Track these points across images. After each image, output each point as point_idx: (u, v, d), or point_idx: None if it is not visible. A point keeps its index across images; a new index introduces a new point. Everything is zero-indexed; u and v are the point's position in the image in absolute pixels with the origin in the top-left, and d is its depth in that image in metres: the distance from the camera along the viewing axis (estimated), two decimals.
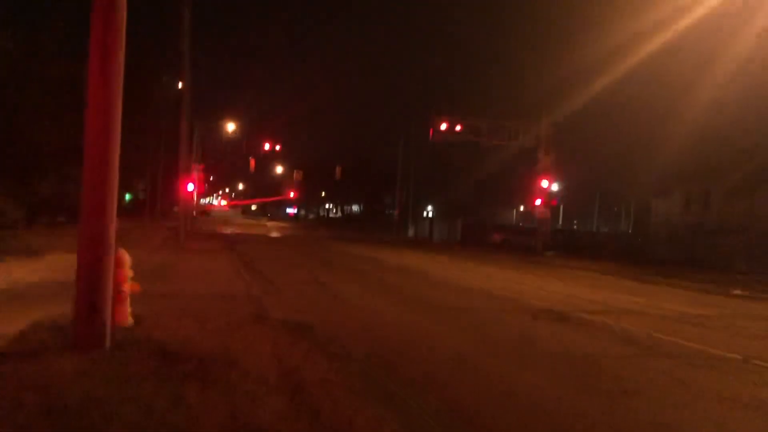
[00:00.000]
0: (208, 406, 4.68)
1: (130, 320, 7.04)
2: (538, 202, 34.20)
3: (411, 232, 56.99)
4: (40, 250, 16.24)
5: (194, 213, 45.09)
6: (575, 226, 78.13)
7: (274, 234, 45.44)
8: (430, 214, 79.60)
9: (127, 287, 7.01)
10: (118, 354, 5.60)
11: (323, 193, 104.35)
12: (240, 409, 4.73)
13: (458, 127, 34.86)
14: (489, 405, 5.86)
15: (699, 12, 21.72)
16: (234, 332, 7.30)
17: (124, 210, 48.86)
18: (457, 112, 36.30)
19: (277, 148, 48.21)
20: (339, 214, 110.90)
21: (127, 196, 53.55)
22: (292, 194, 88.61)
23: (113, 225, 5.83)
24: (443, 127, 34.83)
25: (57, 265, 12.93)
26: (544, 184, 33.62)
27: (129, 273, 7.12)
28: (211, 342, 6.63)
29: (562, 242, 41.27)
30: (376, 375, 6.41)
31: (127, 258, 7.04)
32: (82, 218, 5.72)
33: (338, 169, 57.83)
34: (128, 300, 7.05)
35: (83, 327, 5.68)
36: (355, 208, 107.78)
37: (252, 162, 53.26)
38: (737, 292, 18.25)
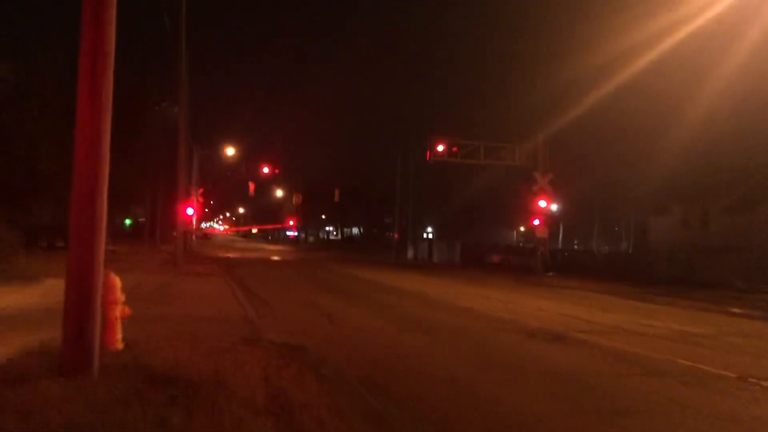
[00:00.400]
0: (193, 430, 4.66)
1: (120, 344, 7.01)
2: (536, 222, 34.23)
3: (411, 254, 56.95)
4: (37, 275, 16.24)
5: (193, 237, 45.13)
6: (576, 246, 78.07)
7: (273, 257, 45.40)
8: (430, 236, 79.62)
9: (117, 311, 7.00)
10: (105, 378, 5.57)
11: (323, 216, 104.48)
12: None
13: (455, 148, 35.09)
14: (480, 426, 5.83)
15: (692, 27, 21.85)
16: (225, 354, 7.28)
17: (124, 235, 48.99)
18: (454, 133, 36.62)
19: (276, 171, 48.45)
20: (339, 236, 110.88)
21: (127, 221, 53.69)
22: (291, 222, 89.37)
23: (101, 250, 5.83)
24: (440, 148, 35.04)
25: (53, 290, 12.87)
26: (542, 204, 33.66)
27: (120, 297, 7.11)
28: (200, 365, 6.60)
29: (562, 262, 41.23)
30: (367, 397, 6.37)
31: (117, 282, 7.04)
32: (71, 243, 5.74)
33: (336, 192, 58.06)
34: (118, 324, 7.03)
35: (70, 352, 5.66)
36: (355, 230, 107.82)
37: (251, 186, 53.55)
38: (735, 310, 18.17)
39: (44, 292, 13.09)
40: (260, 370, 6.80)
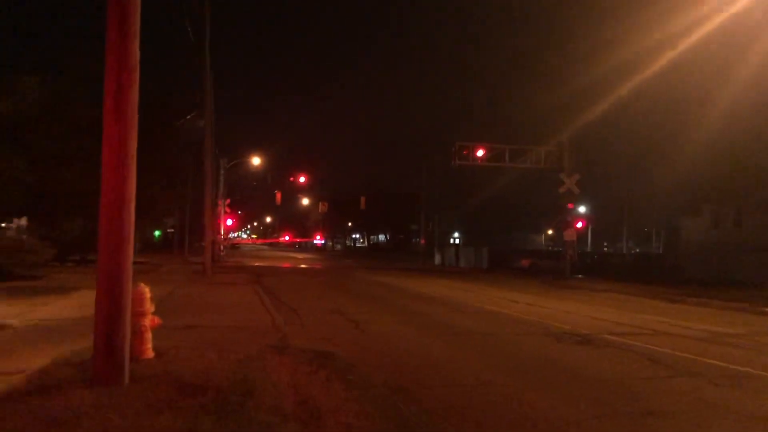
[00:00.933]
0: None
1: (150, 353, 7.12)
2: (567, 224, 33.86)
3: (438, 260, 56.71)
4: (69, 288, 16.59)
5: (222, 247, 45.56)
6: (605, 248, 77.22)
7: (301, 265, 45.62)
8: (457, 241, 79.39)
9: (147, 321, 7.12)
10: (136, 387, 5.66)
11: (349, 224, 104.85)
12: None
13: (480, 152, 34.89)
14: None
15: (715, 23, 21.47)
16: (253, 362, 7.34)
17: (154, 246, 49.67)
18: (478, 138, 36.43)
19: (302, 180, 48.78)
20: (365, 243, 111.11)
21: (157, 233, 54.42)
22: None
23: (130, 262, 5.93)
24: (465, 152, 34.88)
25: (85, 302, 13.10)
26: (569, 206, 33.34)
27: (150, 307, 7.22)
28: (229, 373, 6.66)
29: (591, 265, 40.82)
30: (394, 403, 6.35)
31: (146, 292, 7.16)
32: (100, 255, 5.84)
33: (362, 199, 58.20)
34: (149, 334, 7.14)
35: (102, 362, 5.76)
36: (381, 237, 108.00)
37: (278, 195, 53.97)
38: None
39: (76, 304, 13.32)
40: (288, 377, 6.85)
